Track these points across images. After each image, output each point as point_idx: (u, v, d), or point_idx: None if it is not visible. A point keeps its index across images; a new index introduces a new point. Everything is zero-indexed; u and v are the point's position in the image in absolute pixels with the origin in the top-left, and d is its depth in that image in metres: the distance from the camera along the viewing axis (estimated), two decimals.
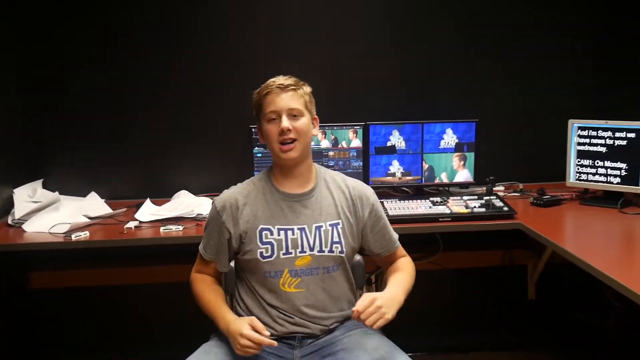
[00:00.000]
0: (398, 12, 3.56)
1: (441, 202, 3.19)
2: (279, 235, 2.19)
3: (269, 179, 2.27)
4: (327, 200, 2.24)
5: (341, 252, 2.21)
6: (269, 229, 2.19)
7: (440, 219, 3.03)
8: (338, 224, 2.23)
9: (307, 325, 2.20)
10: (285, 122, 2.13)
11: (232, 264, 2.33)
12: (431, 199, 3.24)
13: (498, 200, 3.17)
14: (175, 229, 2.97)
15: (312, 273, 2.20)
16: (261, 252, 2.18)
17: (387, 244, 2.35)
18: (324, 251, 2.20)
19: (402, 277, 2.27)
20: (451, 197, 3.27)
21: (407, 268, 2.35)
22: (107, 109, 3.51)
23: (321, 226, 2.21)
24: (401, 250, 2.43)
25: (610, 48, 3.61)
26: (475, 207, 3.10)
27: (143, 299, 3.63)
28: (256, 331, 2.02)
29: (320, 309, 2.22)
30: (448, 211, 3.07)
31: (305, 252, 2.19)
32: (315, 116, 2.28)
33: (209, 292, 2.25)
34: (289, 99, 2.16)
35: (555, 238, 2.69)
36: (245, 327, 2.03)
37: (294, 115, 2.16)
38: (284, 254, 2.18)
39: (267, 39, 3.51)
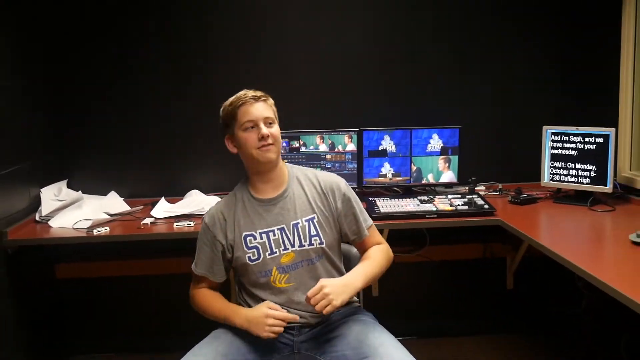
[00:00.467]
0: (388, 29, 3.55)
1: (428, 200, 3.18)
2: (261, 238, 2.19)
3: (246, 188, 2.27)
4: (300, 198, 2.23)
5: (320, 243, 2.20)
6: (252, 234, 2.19)
7: (427, 216, 3.03)
8: (313, 218, 2.21)
9: (303, 316, 2.19)
10: (265, 129, 2.14)
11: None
12: (419, 197, 3.24)
13: (479, 198, 3.16)
14: (187, 225, 2.97)
15: (297, 267, 2.20)
16: (249, 257, 2.19)
17: (359, 230, 2.29)
18: (304, 245, 2.19)
19: (365, 265, 2.21)
20: (437, 196, 3.26)
21: (375, 255, 2.26)
22: (126, 115, 3.51)
23: (298, 223, 2.20)
24: (375, 237, 2.35)
25: (580, 61, 3.61)
26: (458, 205, 3.10)
27: (158, 288, 3.62)
28: None
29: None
30: (434, 209, 3.07)
31: (287, 249, 2.19)
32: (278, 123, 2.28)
33: (212, 302, 2.26)
34: (263, 109, 2.18)
35: (531, 233, 2.70)
36: (265, 309, 2.06)
37: (269, 122, 2.18)
38: (269, 255, 2.18)
39: (272, 49, 3.51)
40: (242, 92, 2.21)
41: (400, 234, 3.30)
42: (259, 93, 2.20)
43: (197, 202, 3.28)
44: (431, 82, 3.61)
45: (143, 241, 3.20)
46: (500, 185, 3.53)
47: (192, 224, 2.97)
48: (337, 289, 2.01)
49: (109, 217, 3.11)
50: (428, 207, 3.09)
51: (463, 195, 3.24)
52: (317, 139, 3.34)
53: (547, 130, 3.32)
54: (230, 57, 3.50)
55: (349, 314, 2.23)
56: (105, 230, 2.91)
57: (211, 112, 3.49)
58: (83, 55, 3.44)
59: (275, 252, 2.19)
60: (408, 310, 3.72)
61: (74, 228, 2.95)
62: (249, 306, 2.23)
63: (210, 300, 2.26)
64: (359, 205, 2.31)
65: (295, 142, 3.33)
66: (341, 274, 2.28)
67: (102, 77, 3.46)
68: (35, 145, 3.24)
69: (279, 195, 2.22)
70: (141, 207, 3.27)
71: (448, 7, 3.56)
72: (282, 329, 2.06)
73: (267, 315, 2.06)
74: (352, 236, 2.30)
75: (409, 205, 3.13)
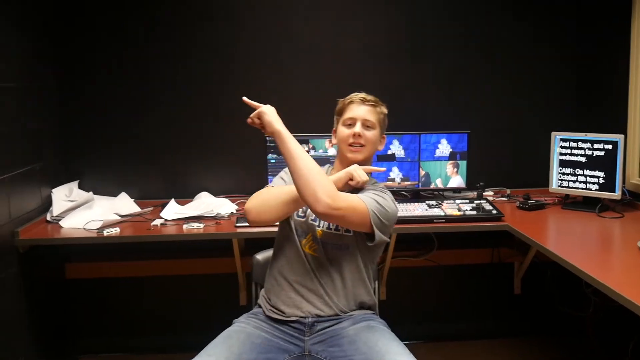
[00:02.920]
0: (397, 33, 3.56)
1: (436, 205, 3.19)
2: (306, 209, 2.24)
3: (327, 170, 2.38)
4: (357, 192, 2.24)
5: (347, 231, 2.21)
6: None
7: (435, 220, 3.03)
8: None
9: (317, 303, 2.20)
10: (358, 129, 2.24)
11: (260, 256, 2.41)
12: (427, 202, 3.24)
13: (487, 204, 3.16)
14: (196, 227, 2.98)
15: (325, 246, 2.22)
16: (297, 212, 2.25)
17: None
18: (331, 229, 2.22)
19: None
20: (445, 201, 3.26)
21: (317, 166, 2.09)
22: (136, 118, 3.53)
23: None
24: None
25: (589, 67, 3.60)
26: (466, 210, 3.10)
27: (168, 289, 3.64)
28: None
29: (331, 284, 2.22)
30: (442, 213, 3.07)
31: (321, 226, 2.23)
32: (384, 135, 2.36)
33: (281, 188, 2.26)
34: (367, 112, 2.27)
35: (539, 239, 2.70)
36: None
37: (367, 125, 2.26)
38: (312, 220, 2.23)
39: (281, 52, 3.52)
40: (356, 93, 2.32)
41: (409, 238, 3.30)
42: (370, 97, 2.30)
43: (207, 204, 3.29)
44: (440, 87, 3.62)
45: (153, 242, 3.22)
46: (508, 191, 3.53)
47: (201, 225, 2.98)
48: (271, 114, 2.08)
49: (119, 218, 3.13)
50: (436, 211, 3.10)
51: (471, 201, 3.24)
52: (326, 143, 3.34)
53: (556, 137, 3.32)
54: (241, 61, 3.51)
55: (362, 320, 2.23)
56: (115, 231, 2.93)
57: (222, 114, 3.54)
58: (94, 56, 3.46)
59: (315, 221, 2.24)
60: (416, 314, 3.72)
61: (84, 228, 2.97)
62: (281, 275, 2.25)
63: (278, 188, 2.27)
64: (369, 195, 2.19)
65: (305, 145, 3.33)
66: (364, 281, 2.27)
67: (114, 78, 3.48)
68: (46, 146, 3.27)
69: (351, 187, 2.23)
70: (151, 208, 3.29)
71: (458, 11, 3.57)
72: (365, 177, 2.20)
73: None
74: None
75: (417, 209, 3.13)
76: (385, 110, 2.34)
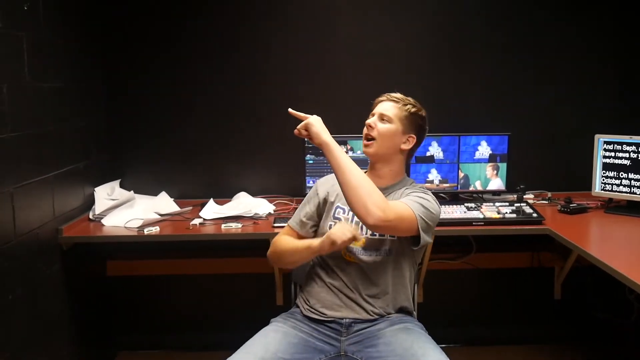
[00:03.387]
0: (436, 34, 3.54)
1: (475, 207, 3.15)
2: (348, 214, 2.26)
3: (366, 170, 2.35)
4: (393, 197, 2.24)
5: (391, 236, 2.20)
6: (342, 208, 2.28)
7: (474, 223, 3.00)
8: None
9: (356, 308, 2.21)
10: (371, 120, 2.25)
11: None
12: (466, 204, 3.21)
13: (528, 207, 3.12)
14: (234, 227, 3.00)
15: (365, 253, 2.22)
16: (330, 225, 2.26)
17: None
18: (375, 235, 2.21)
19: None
20: (484, 203, 3.23)
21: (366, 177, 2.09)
22: (177, 119, 3.57)
23: None
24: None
25: (633, 69, 3.54)
26: (506, 213, 3.07)
27: (206, 288, 3.68)
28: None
29: (370, 291, 2.22)
30: (481, 216, 3.04)
31: (363, 234, 2.22)
32: (412, 135, 2.28)
33: (292, 240, 2.31)
34: (387, 107, 2.27)
35: (580, 243, 2.65)
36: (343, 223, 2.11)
37: (383, 119, 2.25)
38: None
39: (321, 54, 3.53)
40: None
41: (447, 240, 3.28)
42: (396, 95, 2.30)
43: (245, 204, 3.32)
44: (480, 88, 3.58)
45: (191, 241, 3.26)
46: (549, 194, 3.48)
47: (239, 225, 3.01)
48: (318, 125, 2.09)
49: (159, 217, 3.17)
50: (475, 214, 3.06)
51: (511, 203, 3.19)
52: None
53: (600, 139, 3.26)
54: (280, 61, 3.52)
55: (399, 322, 2.22)
56: (155, 229, 2.97)
57: (261, 115, 3.56)
58: (139, 58, 3.51)
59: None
60: (453, 317, 3.69)
61: (125, 227, 3.02)
62: (317, 276, 2.29)
63: (290, 240, 2.32)
64: (413, 198, 2.17)
65: (343, 146, 3.33)
66: (405, 286, 2.28)
67: (156, 79, 3.53)
68: (90, 146, 3.33)
69: (381, 188, 2.16)
70: (190, 207, 3.32)
71: (500, 13, 3.52)
72: (351, 236, 2.03)
73: (342, 225, 2.07)
74: None
75: (456, 212, 3.11)
76: (413, 109, 2.27)
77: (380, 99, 2.31)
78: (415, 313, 2.39)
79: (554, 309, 3.69)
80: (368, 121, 2.25)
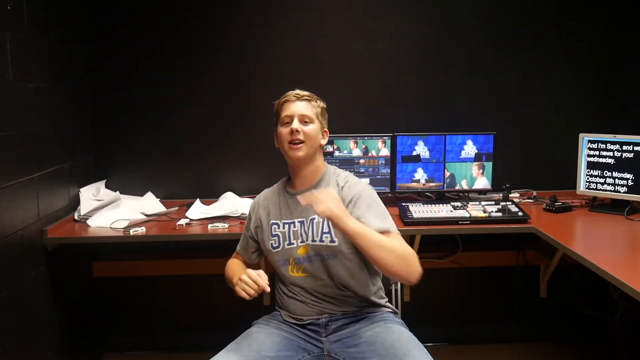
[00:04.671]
0: (423, 35, 3.55)
1: (461, 206, 3.16)
2: (284, 228, 2.26)
3: (286, 181, 2.37)
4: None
5: (331, 241, 2.18)
6: (277, 223, 2.29)
7: (460, 222, 3.01)
8: None
9: (326, 307, 2.22)
10: (296, 124, 2.21)
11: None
12: (452, 203, 3.22)
13: (513, 205, 3.13)
14: (221, 227, 3.00)
15: (311, 260, 2.21)
16: (271, 243, 2.27)
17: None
18: (315, 240, 2.20)
19: (371, 229, 2.05)
20: (470, 202, 3.24)
21: (389, 239, 2.06)
22: (163, 119, 3.56)
23: (314, 218, 2.21)
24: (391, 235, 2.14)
25: (617, 68, 3.57)
26: (492, 211, 3.08)
27: (192, 288, 3.67)
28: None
29: (334, 295, 2.22)
30: (467, 215, 3.05)
31: (303, 242, 2.22)
32: (326, 129, 2.33)
33: (233, 265, 2.37)
34: (303, 107, 2.24)
35: (566, 241, 2.67)
36: (247, 271, 2.09)
37: (305, 121, 2.23)
38: (288, 245, 2.24)
39: (308, 52, 3.54)
40: (290, 91, 2.28)
41: (433, 239, 3.28)
42: (303, 93, 2.27)
43: (232, 204, 3.31)
44: (466, 87, 3.59)
45: (178, 242, 3.24)
46: (534, 193, 3.50)
47: (226, 225, 3.00)
48: (332, 200, 2.00)
49: (145, 217, 3.15)
50: (461, 213, 3.08)
51: (497, 202, 3.21)
52: (351, 144, 3.35)
53: (584, 138, 3.28)
54: (267, 61, 3.52)
55: (380, 320, 2.22)
56: (141, 230, 2.96)
57: (247, 114, 3.56)
58: (124, 57, 3.50)
59: (293, 243, 2.24)
60: (439, 316, 3.70)
61: (111, 227, 3.00)
62: (281, 291, 2.31)
63: (232, 264, 2.39)
64: (372, 209, 2.17)
65: (329, 146, 3.33)
66: (364, 285, 2.25)
67: (142, 80, 3.52)
68: (75, 146, 3.31)
69: (306, 189, 2.23)
70: (177, 208, 3.31)
71: (484, 12, 3.54)
72: (252, 291, 2.04)
73: (246, 274, 2.07)
74: None
75: (442, 211, 3.11)
76: (322, 104, 2.31)
77: (289, 99, 2.25)
78: (395, 304, 2.39)
79: (540, 307, 3.71)
80: (293, 127, 2.19)
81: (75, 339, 3.26)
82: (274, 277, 2.35)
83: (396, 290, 2.38)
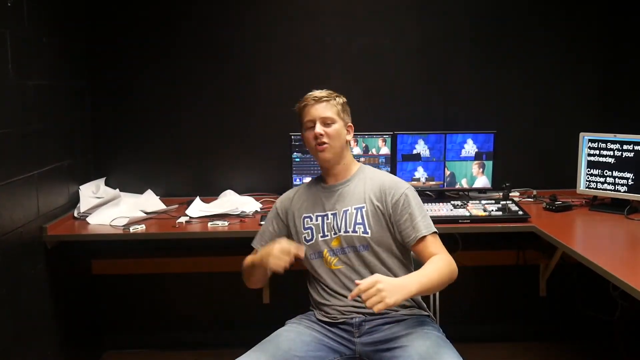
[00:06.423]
0: (423, 33, 3.55)
1: (461, 205, 3.16)
2: (316, 220, 2.28)
3: (319, 178, 2.39)
4: (357, 189, 2.28)
5: (364, 232, 2.21)
6: (309, 216, 2.30)
7: (460, 221, 3.01)
8: (362, 207, 2.24)
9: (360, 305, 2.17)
10: (318, 128, 2.23)
11: None
12: (452, 202, 3.22)
13: (513, 204, 3.13)
14: (221, 225, 3.00)
15: (344, 252, 2.24)
16: (304, 237, 2.29)
17: (413, 231, 2.19)
18: (348, 232, 2.23)
19: (423, 270, 2.06)
20: (470, 201, 3.24)
21: (436, 264, 2.10)
22: (163, 117, 3.56)
23: (347, 210, 2.25)
24: (435, 246, 2.20)
25: (617, 67, 3.56)
26: (492, 210, 3.08)
27: (191, 286, 3.66)
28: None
29: None
30: (467, 214, 3.05)
31: (336, 233, 2.24)
32: (350, 124, 2.35)
33: (249, 258, 2.33)
34: (322, 109, 2.25)
35: (565, 240, 2.67)
36: (277, 243, 2.10)
37: (327, 122, 2.24)
38: (321, 237, 2.26)
39: (309, 51, 3.54)
40: (308, 93, 2.30)
41: None
42: (322, 93, 2.29)
43: (232, 202, 3.31)
44: (466, 86, 3.59)
45: (178, 239, 3.24)
46: (534, 192, 3.49)
47: (226, 223, 3.00)
48: (392, 287, 1.87)
49: (145, 215, 3.15)
50: (461, 212, 3.08)
51: (497, 201, 3.21)
52: (352, 142, 3.34)
53: (584, 137, 3.28)
54: (269, 59, 3.52)
55: (416, 325, 2.19)
56: (141, 228, 2.96)
57: (247, 113, 3.56)
58: (124, 55, 3.50)
59: (327, 235, 2.26)
60: (439, 315, 3.69)
61: (111, 225, 3.00)
62: (316, 288, 2.31)
63: (249, 258, 2.33)
64: (420, 210, 2.24)
65: None
66: (396, 275, 2.22)
67: (142, 78, 3.52)
68: (75, 144, 3.31)
69: (340, 183, 2.30)
70: (176, 206, 3.31)
71: (484, 11, 3.54)
72: (287, 262, 2.05)
73: (277, 247, 2.07)
74: (407, 238, 2.21)
75: (442, 209, 3.11)
76: (342, 99, 2.33)
77: (308, 103, 2.27)
78: (432, 310, 2.39)
79: (539, 307, 3.71)
80: (316, 131, 2.22)
81: (74, 337, 3.26)
82: (308, 277, 2.38)
83: None
